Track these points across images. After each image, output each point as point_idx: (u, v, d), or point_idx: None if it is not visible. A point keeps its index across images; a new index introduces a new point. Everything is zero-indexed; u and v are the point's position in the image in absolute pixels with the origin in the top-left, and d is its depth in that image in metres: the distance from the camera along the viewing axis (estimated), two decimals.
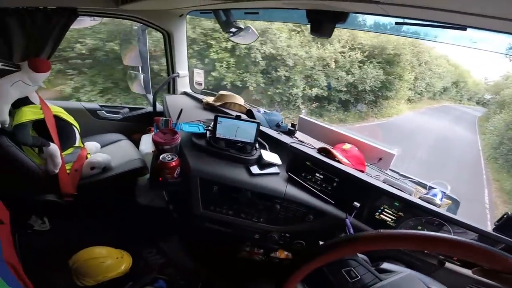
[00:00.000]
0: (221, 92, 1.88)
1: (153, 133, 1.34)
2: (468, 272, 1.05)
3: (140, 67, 2.28)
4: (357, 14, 1.15)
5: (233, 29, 1.78)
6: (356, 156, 1.31)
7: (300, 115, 1.74)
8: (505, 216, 1.01)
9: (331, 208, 1.15)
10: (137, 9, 1.80)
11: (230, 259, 1.50)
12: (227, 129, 1.25)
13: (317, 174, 1.22)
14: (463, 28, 0.84)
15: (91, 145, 1.92)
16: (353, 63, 9.59)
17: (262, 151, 1.28)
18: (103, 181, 1.71)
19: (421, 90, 14.14)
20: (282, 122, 1.72)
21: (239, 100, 1.88)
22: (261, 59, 7.59)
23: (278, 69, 8.09)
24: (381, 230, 0.51)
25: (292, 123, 1.73)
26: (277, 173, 1.24)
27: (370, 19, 1.40)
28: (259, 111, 1.86)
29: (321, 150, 1.33)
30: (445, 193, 1.26)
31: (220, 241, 1.46)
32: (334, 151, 1.28)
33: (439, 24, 0.88)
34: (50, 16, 1.42)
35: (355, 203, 1.10)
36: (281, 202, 1.16)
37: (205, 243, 1.67)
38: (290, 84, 8.39)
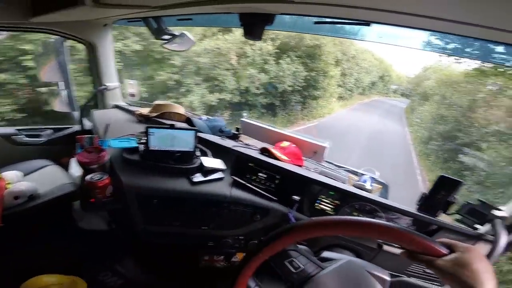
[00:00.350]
0: (157, 102, 1.80)
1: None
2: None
3: (61, 83, 2.05)
4: (283, 16, 1.20)
5: (165, 36, 1.73)
6: (293, 152, 1.37)
7: (242, 119, 1.75)
8: (423, 196, 1.11)
9: (275, 205, 1.18)
10: (52, 21, 1.62)
11: (191, 269, 1.46)
12: (161, 140, 1.20)
13: (260, 174, 1.24)
14: (367, 24, 0.92)
15: (12, 175, 1.66)
16: (266, 59, 7.94)
17: (203, 158, 1.26)
18: (32, 209, 1.51)
19: (351, 86, 14.20)
20: (225, 127, 1.72)
21: (179, 109, 1.82)
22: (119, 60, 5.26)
23: (160, 71, 6.22)
24: (313, 218, 0.54)
25: (236, 127, 1.74)
26: (221, 178, 1.23)
27: (298, 20, 1.43)
28: (200, 118, 1.84)
29: (262, 150, 1.37)
30: (374, 178, 1.38)
31: (175, 253, 1.41)
32: (273, 150, 1.32)
33: (347, 21, 0.95)
34: None
35: (294, 196, 1.15)
36: (227, 206, 1.16)
37: (161, 257, 1.59)
38: (183, 89, 6.64)
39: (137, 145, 1.23)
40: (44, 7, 1.18)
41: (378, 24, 0.92)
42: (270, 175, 1.23)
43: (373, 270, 0.78)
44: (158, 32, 1.69)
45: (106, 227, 1.75)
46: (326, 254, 0.87)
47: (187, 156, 1.25)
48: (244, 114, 1.95)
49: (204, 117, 1.90)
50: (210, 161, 1.26)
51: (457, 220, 1.12)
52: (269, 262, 0.68)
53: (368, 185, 1.28)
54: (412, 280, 1.10)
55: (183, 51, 1.91)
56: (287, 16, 1.21)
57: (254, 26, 1.04)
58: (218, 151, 1.37)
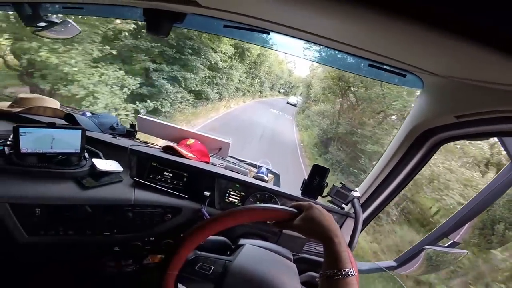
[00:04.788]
0: (22, 95, 1.41)
1: None
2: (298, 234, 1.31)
3: None
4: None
5: (41, 24, 1.38)
6: (200, 150, 1.40)
7: (139, 115, 1.62)
8: (304, 182, 1.33)
9: (186, 202, 1.19)
10: None
11: (95, 280, 1.31)
12: (38, 141, 0.98)
13: (165, 173, 1.22)
14: (267, 32, 1.03)
15: None
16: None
17: (95, 160, 1.11)
18: None
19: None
20: (117, 124, 1.55)
21: (52, 103, 1.48)
22: None
23: None
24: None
25: (131, 124, 1.59)
26: (119, 181, 1.13)
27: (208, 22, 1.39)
28: (84, 114, 1.58)
29: (166, 149, 1.33)
30: (268, 169, 1.58)
31: (73, 265, 1.24)
32: (179, 148, 1.31)
33: (252, 28, 1.01)
34: None
35: (205, 192, 1.19)
36: (132, 209, 1.09)
37: (53, 273, 1.31)
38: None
39: (1, 147, 0.95)
40: None
41: (275, 33, 1.04)
42: (177, 173, 1.23)
43: (277, 249, 0.92)
44: (33, 19, 1.33)
45: None
46: (242, 241, 0.96)
47: (73, 159, 1.08)
48: (141, 110, 1.80)
49: (88, 112, 1.64)
50: (103, 163, 1.13)
51: (329, 201, 1.31)
52: (183, 274, 0.71)
53: (265, 176, 1.47)
54: (309, 256, 1.25)
55: (66, 39, 1.61)
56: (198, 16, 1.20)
57: (160, 22, 0.98)
58: (111, 151, 1.24)
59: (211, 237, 0.97)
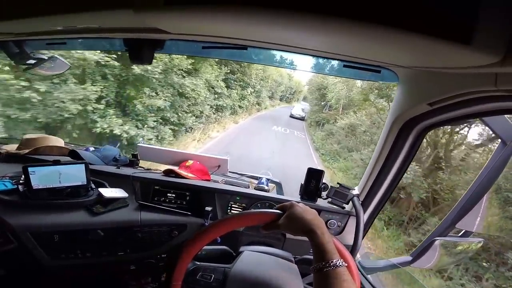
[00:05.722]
0: (27, 136, 1.50)
1: None
2: (305, 238, 1.33)
3: None
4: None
5: (30, 61, 1.48)
6: (199, 169, 1.47)
7: (139, 144, 1.70)
8: (301, 186, 1.35)
9: (190, 218, 1.25)
10: None
11: None
12: (46, 178, 1.06)
13: (169, 194, 1.29)
14: (244, 47, 1.08)
15: None
16: None
17: (101, 189, 1.18)
18: None
19: None
20: (120, 156, 1.63)
21: (57, 141, 1.57)
22: None
23: None
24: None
25: (132, 154, 1.67)
26: (126, 205, 1.21)
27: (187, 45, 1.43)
28: (87, 150, 1.66)
29: (167, 172, 1.40)
30: (269, 179, 1.63)
31: (97, 285, 1.29)
32: (179, 170, 1.38)
33: (230, 46, 1.06)
34: None
35: (206, 208, 1.24)
36: (140, 230, 1.16)
37: None
38: None
39: (14, 186, 1.04)
40: None
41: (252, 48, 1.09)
42: (179, 194, 1.29)
43: (277, 253, 0.95)
44: (21, 57, 1.44)
45: None
46: (242, 248, 1.00)
47: (81, 191, 1.16)
48: (140, 139, 1.89)
49: (91, 147, 1.73)
50: (109, 191, 1.21)
51: (330, 203, 1.33)
52: (187, 285, 0.75)
53: (265, 186, 1.51)
54: (310, 256, 1.24)
55: (56, 75, 1.70)
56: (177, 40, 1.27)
57: (141, 50, 1.03)
58: (115, 180, 1.31)
59: (215, 247, 1.01)
